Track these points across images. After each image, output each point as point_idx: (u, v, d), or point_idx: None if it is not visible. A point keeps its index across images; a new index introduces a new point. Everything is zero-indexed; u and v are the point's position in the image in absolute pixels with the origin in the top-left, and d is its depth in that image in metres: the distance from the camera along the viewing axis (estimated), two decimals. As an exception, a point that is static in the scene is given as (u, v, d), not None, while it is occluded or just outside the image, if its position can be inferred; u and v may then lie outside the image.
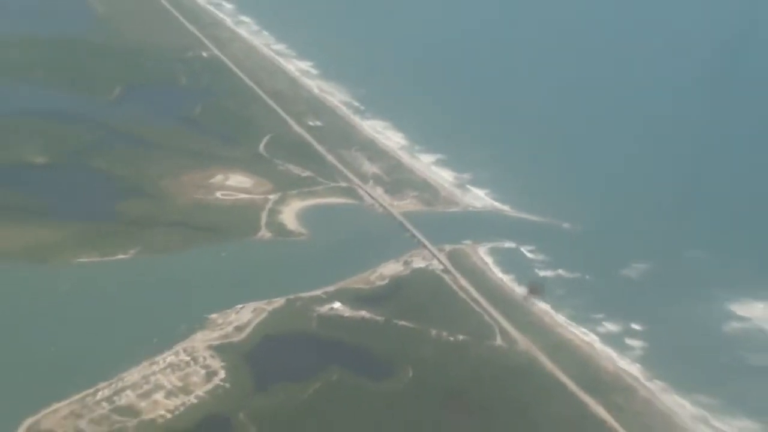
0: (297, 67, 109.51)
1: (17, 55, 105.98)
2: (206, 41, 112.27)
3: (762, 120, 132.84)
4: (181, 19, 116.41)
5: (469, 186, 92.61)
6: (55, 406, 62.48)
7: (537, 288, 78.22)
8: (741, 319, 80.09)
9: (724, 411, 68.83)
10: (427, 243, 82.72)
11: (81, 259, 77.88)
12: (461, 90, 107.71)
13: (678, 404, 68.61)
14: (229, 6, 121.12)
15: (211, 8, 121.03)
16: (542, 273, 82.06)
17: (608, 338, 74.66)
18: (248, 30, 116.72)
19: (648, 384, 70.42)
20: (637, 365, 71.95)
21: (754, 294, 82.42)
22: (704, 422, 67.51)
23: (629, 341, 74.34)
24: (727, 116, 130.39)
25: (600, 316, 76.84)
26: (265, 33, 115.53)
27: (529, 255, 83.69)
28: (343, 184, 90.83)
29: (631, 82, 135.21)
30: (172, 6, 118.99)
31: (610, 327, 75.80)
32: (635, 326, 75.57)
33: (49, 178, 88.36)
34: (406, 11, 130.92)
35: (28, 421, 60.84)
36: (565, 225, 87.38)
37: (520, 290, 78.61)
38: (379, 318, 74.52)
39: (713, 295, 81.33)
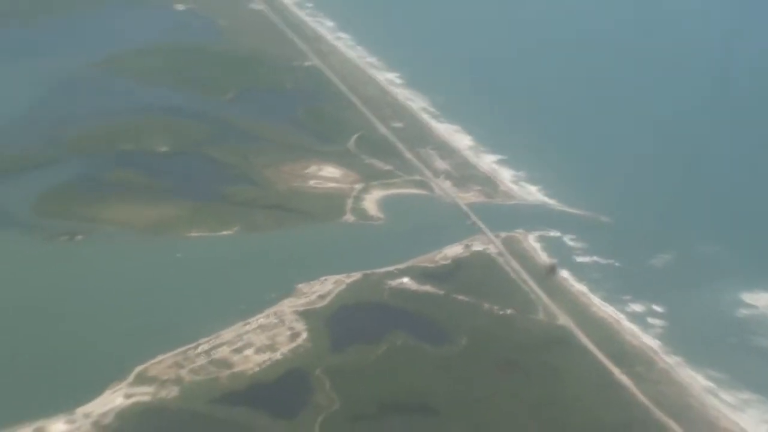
0: (385, 77, 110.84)
1: (151, 61, 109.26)
2: (309, 53, 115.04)
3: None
4: (289, 33, 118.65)
5: (523, 182, 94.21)
6: (161, 357, 65.55)
7: (551, 268, 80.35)
8: (749, 306, 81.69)
9: (731, 385, 70.62)
10: (485, 229, 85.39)
11: (193, 233, 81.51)
12: (525, 100, 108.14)
13: (691, 377, 70.53)
14: (329, 23, 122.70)
15: (315, 25, 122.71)
16: (580, 259, 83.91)
17: (634, 317, 76.81)
18: (345, 44, 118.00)
19: (666, 358, 72.38)
20: (657, 341, 73.79)
21: (763, 285, 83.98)
22: (713, 393, 69.35)
23: (651, 320, 76.35)
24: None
25: (627, 297, 78.77)
26: (360, 48, 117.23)
27: (570, 243, 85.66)
28: (418, 178, 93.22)
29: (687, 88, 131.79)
30: (282, 22, 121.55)
31: (636, 308, 77.77)
32: (657, 308, 77.49)
33: (171, 164, 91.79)
34: (484, 33, 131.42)
35: (138, 369, 64.04)
36: (603, 218, 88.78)
37: (542, 266, 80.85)
38: (440, 292, 77.01)
39: (726, 284, 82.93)
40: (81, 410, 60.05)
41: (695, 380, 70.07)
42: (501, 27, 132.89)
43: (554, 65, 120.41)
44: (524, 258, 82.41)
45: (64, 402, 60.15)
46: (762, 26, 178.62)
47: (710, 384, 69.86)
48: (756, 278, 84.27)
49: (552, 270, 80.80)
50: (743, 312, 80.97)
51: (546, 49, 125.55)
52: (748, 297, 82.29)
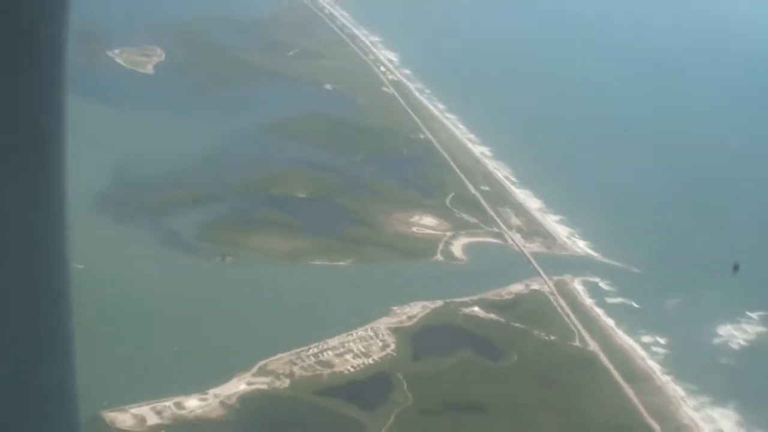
0: (479, 150, 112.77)
1: (302, 126, 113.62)
2: (423, 128, 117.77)
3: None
4: (410, 112, 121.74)
5: (575, 238, 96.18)
6: (280, 355, 71.26)
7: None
8: (743, 339, 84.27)
9: (716, 403, 74.31)
10: (542, 273, 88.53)
11: (317, 262, 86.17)
12: (589, 176, 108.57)
13: (682, 394, 74.79)
14: (441, 106, 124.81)
15: (430, 106, 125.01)
16: (610, 300, 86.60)
17: (644, 346, 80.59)
18: (451, 123, 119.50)
19: (661, 377, 76.58)
20: (657, 365, 77.54)
21: (747, 321, 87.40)
22: (699, 409, 73.47)
23: (655, 349, 79.91)
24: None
25: (642, 331, 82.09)
26: (461, 126, 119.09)
27: (605, 287, 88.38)
28: (495, 230, 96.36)
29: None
30: (405, 103, 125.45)
31: (646, 339, 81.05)
32: (660, 339, 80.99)
33: (306, 207, 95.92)
34: (569, 113, 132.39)
35: (260, 363, 69.83)
36: (634, 269, 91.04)
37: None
38: (501, 320, 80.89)
39: (723, 322, 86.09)
40: (212, 391, 66.43)
41: (685, 396, 74.99)
42: (587, 109, 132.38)
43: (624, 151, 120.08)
44: (569, 297, 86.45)
45: (200, 384, 66.45)
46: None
47: (699, 400, 74.75)
48: (743, 316, 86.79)
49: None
50: (738, 343, 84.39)
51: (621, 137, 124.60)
52: (742, 333, 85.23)
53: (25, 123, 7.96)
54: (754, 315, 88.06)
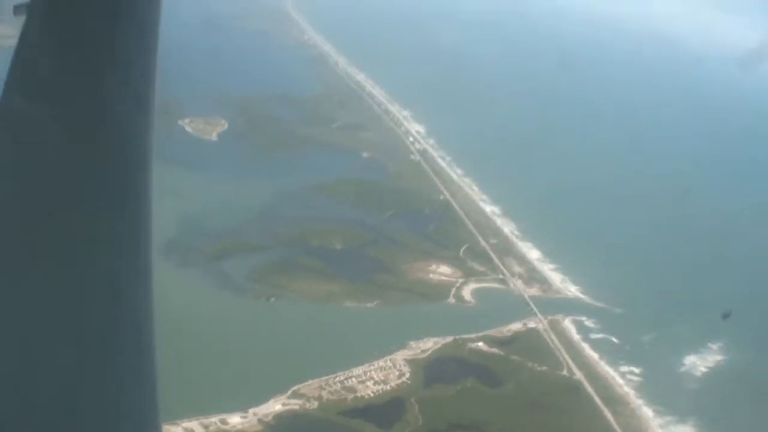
0: (490, 209, 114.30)
1: (341, 188, 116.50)
2: (443, 190, 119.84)
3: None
4: (433, 176, 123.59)
5: (567, 283, 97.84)
6: (311, 381, 74.54)
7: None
8: (705, 367, 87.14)
9: (679, 421, 77.59)
10: (538, 313, 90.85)
11: (347, 304, 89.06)
12: (585, 233, 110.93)
13: (651, 414, 77.74)
14: (459, 171, 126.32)
15: (449, 171, 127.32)
16: (594, 336, 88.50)
17: (622, 374, 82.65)
18: (467, 186, 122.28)
19: (636, 401, 79.21)
20: (632, 390, 79.71)
21: (718, 352, 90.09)
22: (665, 427, 76.38)
23: (630, 377, 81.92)
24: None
25: (621, 362, 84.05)
26: (476, 188, 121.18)
27: (591, 325, 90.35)
28: (500, 277, 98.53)
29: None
30: (429, 169, 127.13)
31: (624, 369, 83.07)
32: (635, 369, 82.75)
33: (341, 257, 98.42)
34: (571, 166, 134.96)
35: (294, 387, 73.29)
36: (617, 310, 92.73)
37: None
38: (502, 353, 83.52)
39: (689, 353, 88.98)
40: (252, 410, 70.19)
41: (653, 416, 77.93)
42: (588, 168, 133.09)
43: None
44: (560, 333, 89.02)
45: (242, 404, 70.38)
46: None
47: (664, 419, 78.03)
48: (705, 347, 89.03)
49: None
50: (700, 371, 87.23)
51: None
52: (703, 363, 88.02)
53: (122, 180, 8.51)
54: (714, 346, 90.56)
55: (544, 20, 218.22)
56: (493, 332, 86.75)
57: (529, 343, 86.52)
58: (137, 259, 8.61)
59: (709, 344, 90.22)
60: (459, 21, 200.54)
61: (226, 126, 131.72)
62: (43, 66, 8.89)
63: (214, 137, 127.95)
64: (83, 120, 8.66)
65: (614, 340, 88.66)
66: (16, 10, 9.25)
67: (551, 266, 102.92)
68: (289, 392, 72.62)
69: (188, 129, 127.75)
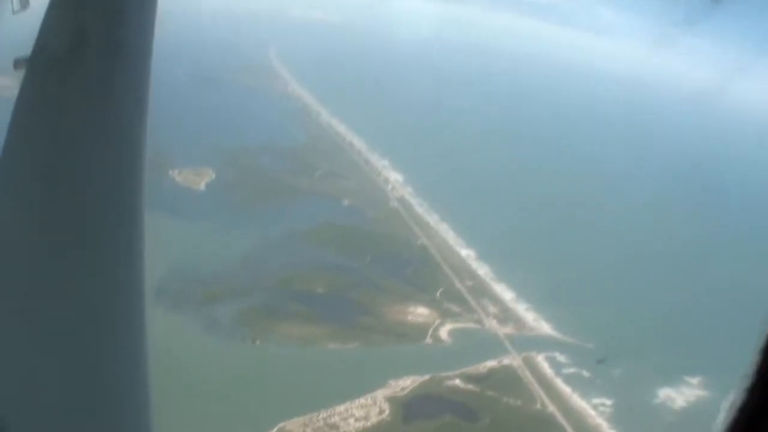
0: (465, 252, 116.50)
1: (323, 234, 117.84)
2: (420, 235, 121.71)
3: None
4: (410, 222, 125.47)
5: (541, 321, 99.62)
6: (296, 419, 75.76)
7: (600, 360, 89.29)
8: (684, 401, 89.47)
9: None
10: (512, 350, 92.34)
11: (329, 346, 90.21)
12: (557, 269, 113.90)
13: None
14: (435, 216, 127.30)
15: (427, 218, 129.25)
16: (566, 371, 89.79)
17: (594, 406, 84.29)
18: (443, 231, 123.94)
19: (608, 431, 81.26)
20: (605, 422, 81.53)
21: (680, 384, 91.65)
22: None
23: (602, 408, 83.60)
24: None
25: (592, 395, 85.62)
26: (452, 233, 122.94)
27: (563, 360, 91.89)
28: (476, 317, 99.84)
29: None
30: (407, 215, 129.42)
31: (596, 401, 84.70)
32: (607, 401, 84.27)
33: (323, 300, 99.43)
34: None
35: (280, 424, 74.43)
36: (588, 345, 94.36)
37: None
38: (478, 389, 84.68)
39: (662, 386, 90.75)
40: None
41: None
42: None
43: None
44: (533, 369, 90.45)
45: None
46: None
47: None
48: (682, 381, 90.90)
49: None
50: (663, 401, 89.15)
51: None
52: (672, 393, 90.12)
53: (112, 235, 8.70)
54: (692, 380, 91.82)
55: (520, 71, 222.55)
56: (469, 370, 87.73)
57: (504, 379, 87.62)
58: (130, 291, 9.07)
59: (686, 377, 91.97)
60: (437, 75, 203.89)
61: (213, 176, 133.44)
62: (39, 119, 8.85)
63: (202, 187, 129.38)
64: (73, 161, 8.68)
65: (585, 374, 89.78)
66: (17, 63, 9.25)
67: (525, 306, 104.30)
68: (275, 429, 73.45)
69: (177, 179, 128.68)
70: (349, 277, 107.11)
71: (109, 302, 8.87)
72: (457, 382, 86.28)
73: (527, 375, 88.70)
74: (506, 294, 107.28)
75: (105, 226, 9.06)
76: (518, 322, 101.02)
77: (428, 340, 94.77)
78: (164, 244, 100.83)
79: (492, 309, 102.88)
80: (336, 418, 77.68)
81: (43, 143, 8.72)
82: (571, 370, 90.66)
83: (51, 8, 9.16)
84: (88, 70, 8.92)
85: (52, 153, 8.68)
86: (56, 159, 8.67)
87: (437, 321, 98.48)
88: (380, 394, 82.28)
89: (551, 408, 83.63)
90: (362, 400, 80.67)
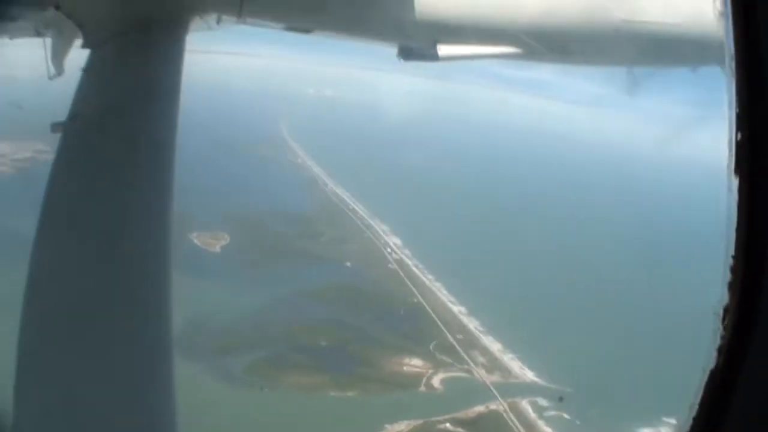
0: (457, 309, 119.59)
1: (327, 293, 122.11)
2: (417, 293, 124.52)
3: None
4: (407, 282, 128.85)
5: (525, 370, 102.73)
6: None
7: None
8: None
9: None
10: (498, 397, 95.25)
11: (331, 393, 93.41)
12: (543, 325, 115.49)
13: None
14: (430, 276, 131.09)
15: (422, 277, 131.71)
16: (547, 414, 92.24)
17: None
18: (437, 289, 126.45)
19: None
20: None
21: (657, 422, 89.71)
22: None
23: None
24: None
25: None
26: (445, 292, 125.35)
27: (545, 404, 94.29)
28: (466, 367, 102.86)
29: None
30: (404, 275, 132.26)
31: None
32: None
33: (326, 353, 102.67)
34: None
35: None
36: (568, 389, 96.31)
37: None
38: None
39: (641, 427, 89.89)
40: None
41: None
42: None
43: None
44: (518, 413, 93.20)
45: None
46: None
47: None
48: (661, 422, 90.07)
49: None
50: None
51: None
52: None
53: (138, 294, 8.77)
54: (670, 420, 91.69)
55: (514, 142, 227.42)
56: (459, 415, 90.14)
57: (491, 422, 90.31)
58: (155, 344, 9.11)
59: (664, 419, 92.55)
60: (435, 147, 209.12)
61: (228, 239, 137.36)
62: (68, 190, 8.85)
63: (218, 249, 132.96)
64: (107, 217, 8.76)
65: (566, 416, 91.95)
66: (54, 127, 9.28)
67: (511, 356, 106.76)
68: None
69: (196, 241, 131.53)
70: (349, 331, 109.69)
71: (138, 353, 8.99)
72: (448, 425, 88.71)
73: (512, 418, 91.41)
74: (494, 345, 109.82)
75: (135, 280, 9.19)
76: (504, 370, 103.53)
77: (422, 388, 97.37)
78: (182, 301, 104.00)
79: (480, 359, 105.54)
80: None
81: (79, 201, 8.76)
82: (552, 413, 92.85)
83: (85, 76, 9.28)
84: (118, 135, 8.95)
85: (88, 209, 8.72)
86: (91, 215, 8.69)
87: (430, 371, 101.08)
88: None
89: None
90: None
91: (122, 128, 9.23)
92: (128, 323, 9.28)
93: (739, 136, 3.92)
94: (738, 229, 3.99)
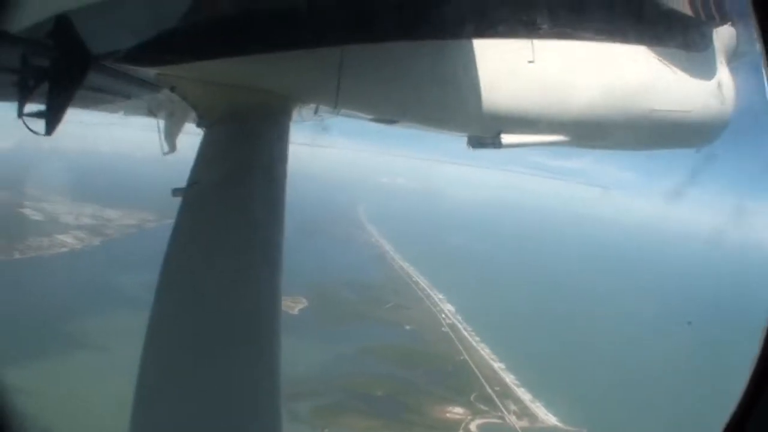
0: (497, 365, 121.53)
1: (386, 351, 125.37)
2: (463, 352, 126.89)
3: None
4: (456, 342, 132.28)
5: (550, 415, 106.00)
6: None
7: None
8: None
9: None
10: None
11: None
12: (568, 376, 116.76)
13: None
14: (477, 338, 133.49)
15: (470, 338, 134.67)
16: None
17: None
18: (481, 348, 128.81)
19: None
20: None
21: None
22: None
23: None
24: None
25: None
26: (487, 350, 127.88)
27: None
28: (500, 414, 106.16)
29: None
30: (454, 337, 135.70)
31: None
32: None
33: (380, 401, 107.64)
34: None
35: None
36: (584, 431, 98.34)
37: None
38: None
39: None
40: None
41: None
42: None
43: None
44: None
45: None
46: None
47: None
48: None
49: None
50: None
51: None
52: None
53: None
54: None
55: (560, 225, 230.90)
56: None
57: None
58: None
59: None
60: (486, 230, 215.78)
61: (306, 304, 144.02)
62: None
63: (296, 312, 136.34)
64: (223, 276, 8.73)
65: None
66: (175, 192, 9.13)
67: (538, 404, 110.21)
68: None
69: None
70: (402, 384, 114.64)
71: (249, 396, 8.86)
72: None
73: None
74: (525, 396, 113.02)
75: (249, 335, 9.13)
76: (532, 417, 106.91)
77: (461, 430, 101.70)
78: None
79: (513, 407, 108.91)
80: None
81: (198, 261, 8.64)
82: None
83: (202, 149, 9.35)
84: (232, 200, 8.94)
85: (206, 268, 8.58)
86: (209, 274, 8.58)
87: (469, 417, 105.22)
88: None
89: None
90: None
91: (236, 198, 9.18)
92: (240, 376, 9.15)
93: None
94: None
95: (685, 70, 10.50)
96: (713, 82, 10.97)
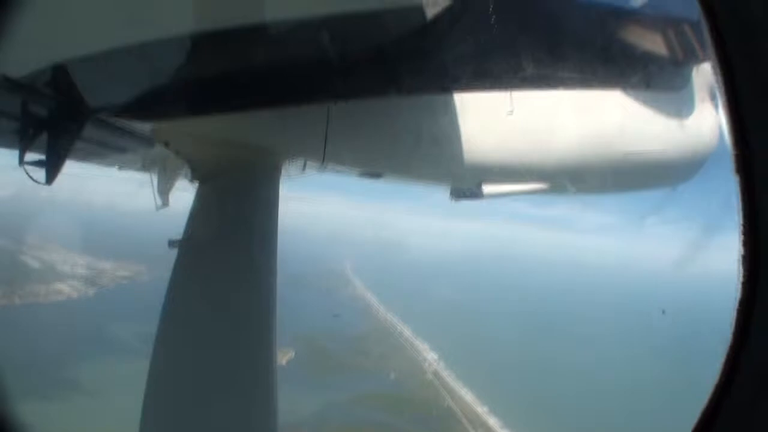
0: (480, 409, 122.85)
1: (372, 399, 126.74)
2: (448, 399, 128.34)
3: None
4: (441, 389, 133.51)
5: None
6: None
7: None
8: None
9: None
10: None
11: None
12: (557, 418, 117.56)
13: None
14: (460, 383, 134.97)
15: (454, 386, 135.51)
16: None
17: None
18: (465, 394, 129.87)
19: None
20: None
21: None
22: None
23: None
24: None
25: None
26: (471, 395, 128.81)
27: None
28: None
29: None
30: (439, 384, 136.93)
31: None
32: None
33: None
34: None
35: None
36: None
37: None
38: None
39: None
40: None
41: None
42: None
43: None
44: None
45: None
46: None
47: None
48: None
49: None
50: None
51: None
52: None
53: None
54: None
55: (540, 273, 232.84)
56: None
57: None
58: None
59: None
60: (469, 280, 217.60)
61: (293, 355, 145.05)
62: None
63: (284, 363, 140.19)
64: (220, 322, 8.77)
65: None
66: (171, 243, 9.16)
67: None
68: None
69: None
70: (387, 429, 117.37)
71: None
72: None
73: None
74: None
75: (245, 389, 9.25)
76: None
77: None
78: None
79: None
80: None
81: (197, 307, 8.70)
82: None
83: (196, 203, 9.35)
84: (225, 254, 8.95)
85: (203, 319, 8.62)
86: (206, 325, 8.65)
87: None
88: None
89: None
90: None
91: (229, 251, 9.20)
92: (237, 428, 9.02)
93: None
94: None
95: (660, 110, 10.40)
96: (690, 119, 10.83)
